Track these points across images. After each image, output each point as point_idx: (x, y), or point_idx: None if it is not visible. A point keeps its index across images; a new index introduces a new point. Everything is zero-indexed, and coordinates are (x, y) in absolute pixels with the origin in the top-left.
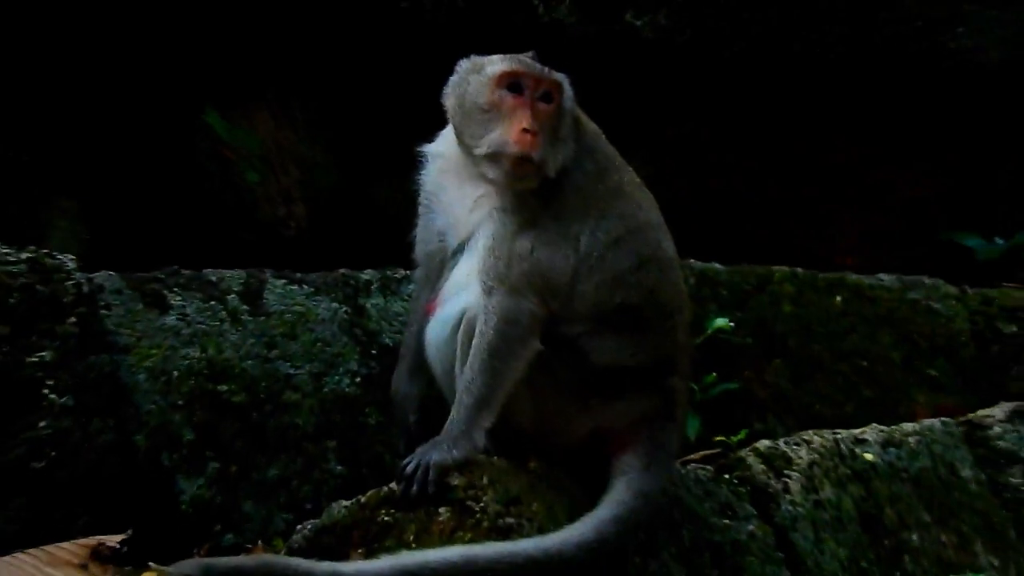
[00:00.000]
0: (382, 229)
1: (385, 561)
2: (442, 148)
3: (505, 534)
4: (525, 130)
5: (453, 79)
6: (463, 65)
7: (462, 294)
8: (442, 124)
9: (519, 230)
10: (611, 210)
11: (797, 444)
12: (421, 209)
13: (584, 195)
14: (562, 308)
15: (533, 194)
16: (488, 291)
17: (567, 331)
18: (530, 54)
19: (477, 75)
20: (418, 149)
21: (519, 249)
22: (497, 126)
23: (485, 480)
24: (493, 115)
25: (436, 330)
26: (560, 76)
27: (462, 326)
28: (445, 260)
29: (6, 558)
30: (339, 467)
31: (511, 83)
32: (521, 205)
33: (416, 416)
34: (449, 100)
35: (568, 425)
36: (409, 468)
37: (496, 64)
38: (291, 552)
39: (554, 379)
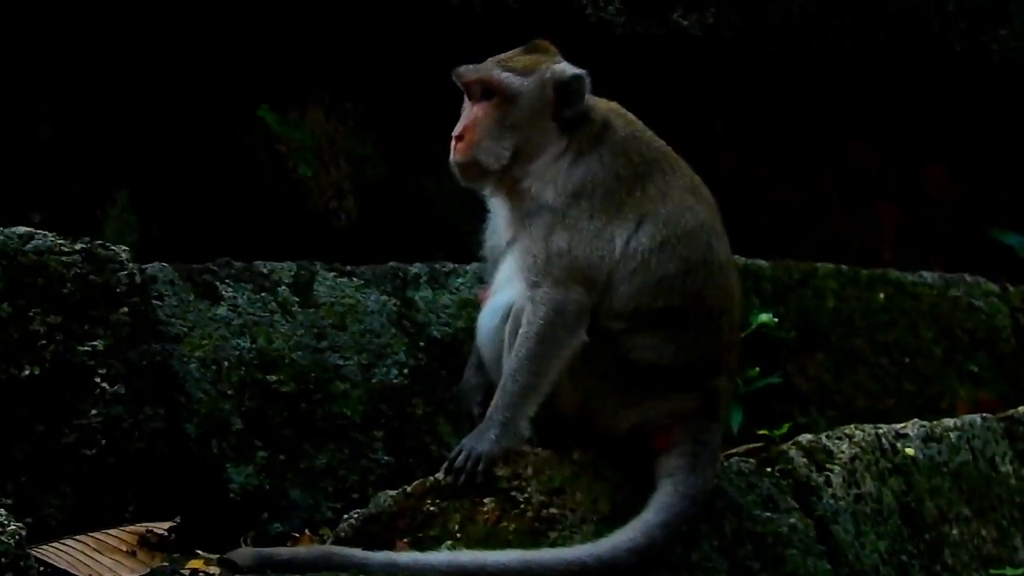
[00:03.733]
0: (430, 222)
1: (443, 556)
2: None
3: (549, 524)
4: (453, 136)
5: None
6: None
7: (508, 288)
8: None
9: (550, 231)
10: (653, 215)
11: (839, 438)
12: (489, 206)
13: (617, 199)
14: (602, 304)
15: (546, 193)
16: (533, 285)
17: (608, 327)
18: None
19: None
20: None
21: (555, 247)
22: None
23: (529, 471)
24: None
25: (486, 319)
26: (497, 76)
27: (511, 317)
28: (500, 255)
29: (56, 544)
30: (386, 457)
31: (463, 90)
32: (539, 208)
33: (480, 408)
34: None
35: (610, 418)
36: (459, 460)
37: None
38: (337, 541)
39: (597, 372)
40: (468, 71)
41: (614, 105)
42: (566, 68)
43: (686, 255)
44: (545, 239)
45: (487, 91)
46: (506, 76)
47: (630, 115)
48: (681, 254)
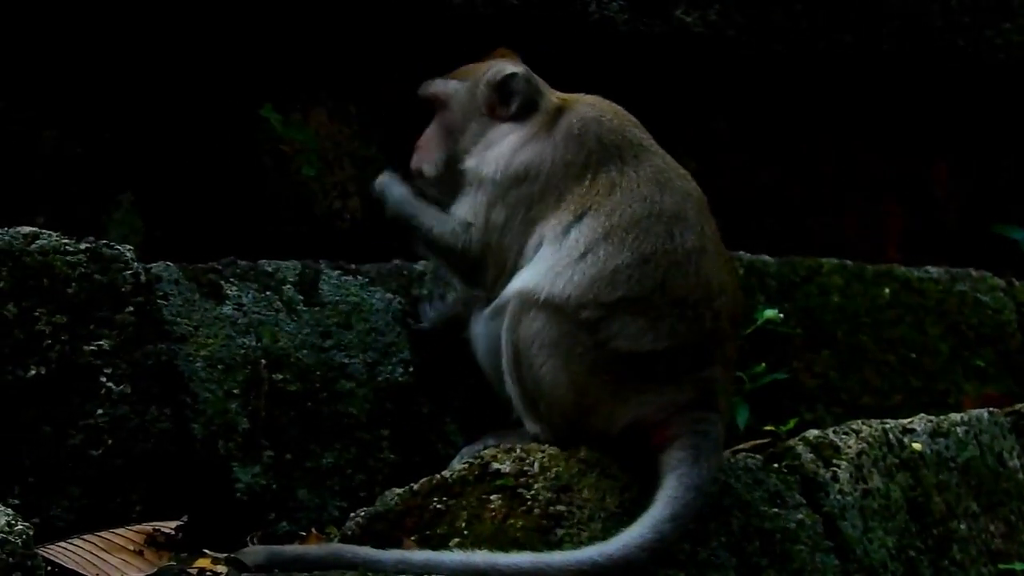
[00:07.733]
0: None
1: (456, 556)
2: None
3: (556, 521)
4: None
5: None
6: None
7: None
8: None
9: (491, 203)
10: (596, 206)
11: (846, 433)
12: None
13: (561, 188)
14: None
15: (487, 168)
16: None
17: (578, 316)
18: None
19: None
20: None
21: (493, 221)
22: None
23: (536, 468)
24: None
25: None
26: (429, 87)
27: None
28: None
29: (63, 543)
30: (392, 455)
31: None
32: (480, 181)
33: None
34: None
35: (607, 415)
36: None
37: None
38: (344, 539)
39: (584, 363)
40: (423, 87)
41: (587, 97)
42: (503, 68)
43: (637, 245)
44: (484, 208)
45: (437, 102)
46: (442, 85)
47: (604, 105)
48: (632, 244)
